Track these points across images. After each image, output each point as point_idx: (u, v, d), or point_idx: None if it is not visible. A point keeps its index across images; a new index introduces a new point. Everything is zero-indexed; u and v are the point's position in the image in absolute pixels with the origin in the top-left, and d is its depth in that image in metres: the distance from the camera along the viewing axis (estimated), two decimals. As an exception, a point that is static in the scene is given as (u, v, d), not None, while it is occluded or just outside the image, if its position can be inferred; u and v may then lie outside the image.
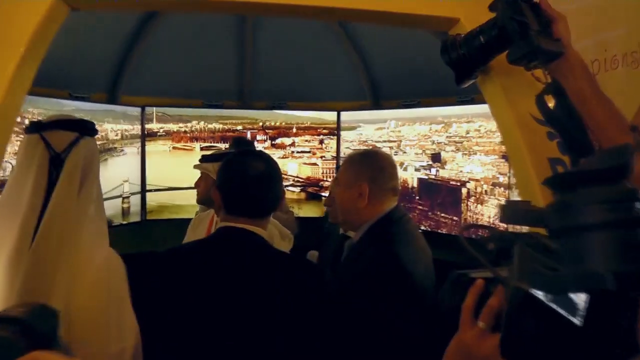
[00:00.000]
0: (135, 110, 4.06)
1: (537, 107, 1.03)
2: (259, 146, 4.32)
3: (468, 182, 3.67)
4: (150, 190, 4.11)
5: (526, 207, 0.65)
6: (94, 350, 1.35)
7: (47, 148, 1.45)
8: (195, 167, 2.50)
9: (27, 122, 1.66)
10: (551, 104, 1.07)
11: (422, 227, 3.90)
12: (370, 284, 1.61)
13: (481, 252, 0.77)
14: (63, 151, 1.46)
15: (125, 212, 3.97)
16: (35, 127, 1.49)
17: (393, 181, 1.89)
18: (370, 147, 4.16)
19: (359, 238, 1.85)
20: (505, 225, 2.32)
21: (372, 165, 1.88)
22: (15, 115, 1.67)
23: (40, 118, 2.23)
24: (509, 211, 0.68)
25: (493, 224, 3.38)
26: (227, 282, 1.43)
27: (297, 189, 4.51)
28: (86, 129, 1.54)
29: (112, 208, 3.81)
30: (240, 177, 1.54)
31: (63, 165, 1.44)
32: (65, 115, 1.59)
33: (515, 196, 3.13)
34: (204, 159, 2.52)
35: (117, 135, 3.89)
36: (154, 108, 4.16)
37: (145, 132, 4.12)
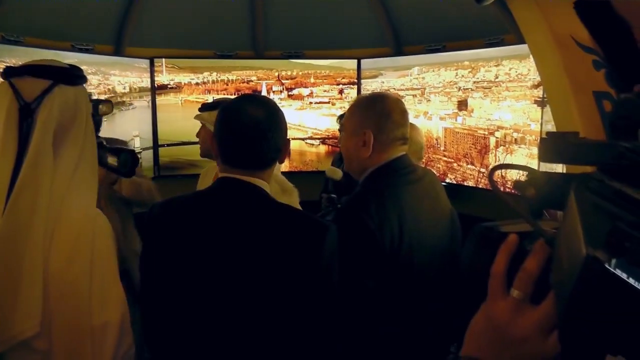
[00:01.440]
0: (144, 62, 3.90)
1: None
2: (274, 97, 4.11)
3: (497, 130, 3.46)
4: (162, 145, 3.99)
5: (576, 140, 0.46)
6: (72, 321, 1.23)
7: (16, 97, 1.29)
8: (195, 117, 2.34)
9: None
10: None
11: (447, 180, 3.74)
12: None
13: (517, 200, 0.58)
14: (33, 101, 1.30)
15: (137, 168, 3.84)
16: (5, 74, 1.34)
17: (402, 129, 1.70)
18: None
19: (358, 189, 1.70)
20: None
21: (379, 111, 1.68)
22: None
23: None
24: (552, 145, 0.47)
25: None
26: (221, 236, 1.31)
27: (316, 142, 4.33)
28: (63, 75, 1.37)
29: (124, 164, 3.68)
30: (233, 124, 1.38)
31: (35, 117, 1.29)
32: (41, 61, 1.42)
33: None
34: (202, 107, 2.35)
35: (125, 88, 3.73)
36: (163, 59, 4.00)
37: (156, 85, 3.98)
